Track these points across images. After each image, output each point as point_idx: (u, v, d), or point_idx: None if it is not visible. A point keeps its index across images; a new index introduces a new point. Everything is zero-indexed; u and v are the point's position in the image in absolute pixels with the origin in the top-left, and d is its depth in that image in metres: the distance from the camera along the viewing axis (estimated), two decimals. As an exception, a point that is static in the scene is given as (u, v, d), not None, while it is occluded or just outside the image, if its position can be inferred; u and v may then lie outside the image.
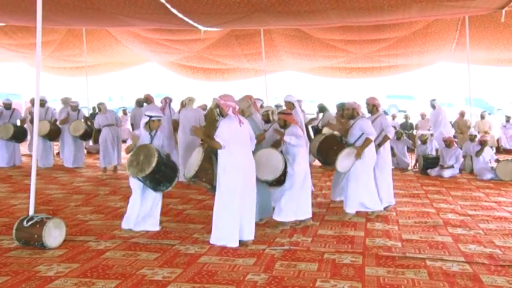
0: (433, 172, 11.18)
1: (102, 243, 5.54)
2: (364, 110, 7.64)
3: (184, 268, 4.76)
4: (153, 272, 4.64)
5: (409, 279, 4.55)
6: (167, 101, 10.27)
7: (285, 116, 6.36)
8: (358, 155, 6.74)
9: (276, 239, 5.82)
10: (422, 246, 5.65)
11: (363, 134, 6.79)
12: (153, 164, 5.82)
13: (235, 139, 5.50)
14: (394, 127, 14.94)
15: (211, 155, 5.73)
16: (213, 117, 6.32)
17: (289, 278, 4.55)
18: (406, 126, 16.22)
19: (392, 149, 12.55)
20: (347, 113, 7.20)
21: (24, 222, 5.33)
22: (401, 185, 9.97)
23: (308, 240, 5.83)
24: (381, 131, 7.31)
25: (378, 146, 7.22)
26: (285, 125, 6.34)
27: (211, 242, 5.54)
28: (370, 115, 7.56)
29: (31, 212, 5.54)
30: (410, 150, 13.45)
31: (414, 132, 15.84)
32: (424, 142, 12.28)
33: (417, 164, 12.10)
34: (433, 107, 13.22)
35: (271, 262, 4.97)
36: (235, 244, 5.48)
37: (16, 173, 10.66)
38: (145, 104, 11.05)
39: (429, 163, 11.46)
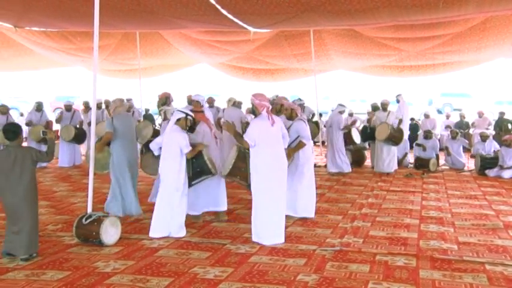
0: (491, 173, 10.73)
1: (155, 241, 5.68)
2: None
3: (235, 267, 4.80)
4: (205, 270, 4.71)
5: (467, 283, 4.40)
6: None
7: (194, 115, 6.50)
8: (289, 156, 6.48)
9: (327, 240, 5.77)
10: (481, 249, 5.44)
11: (298, 136, 6.62)
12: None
13: (265, 138, 5.58)
14: (449, 126, 14.52)
15: (245, 153, 5.84)
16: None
17: (341, 279, 4.50)
18: (462, 125, 15.64)
19: (447, 148, 12.22)
20: (285, 113, 6.99)
21: (83, 220, 5.55)
22: (457, 186, 9.63)
23: (359, 241, 5.75)
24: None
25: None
26: (194, 123, 6.43)
27: (253, 240, 5.63)
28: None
29: (89, 210, 5.77)
30: (467, 150, 12.97)
31: (470, 131, 15.28)
32: (484, 140, 11.78)
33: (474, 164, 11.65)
34: (398, 101, 13.04)
35: (322, 263, 4.94)
36: (281, 240, 5.55)
37: (75, 173, 11.12)
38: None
39: (487, 163, 11.01)
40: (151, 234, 5.84)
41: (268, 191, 5.57)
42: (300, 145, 6.60)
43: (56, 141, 6.13)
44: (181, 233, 5.90)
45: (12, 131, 5.01)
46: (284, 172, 5.76)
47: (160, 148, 6.01)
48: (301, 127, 6.72)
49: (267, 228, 5.57)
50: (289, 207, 6.48)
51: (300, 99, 10.53)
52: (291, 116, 6.93)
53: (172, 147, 5.86)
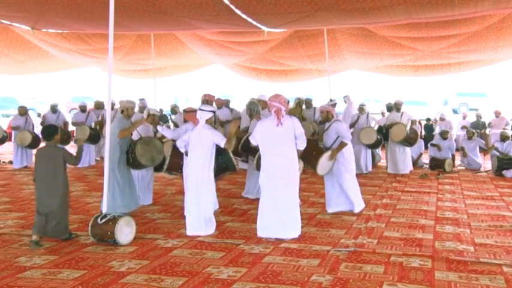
0: (508, 173, 10.59)
1: (169, 241, 5.71)
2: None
3: (249, 268, 4.80)
4: (219, 270, 4.72)
5: (483, 285, 4.34)
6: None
7: (186, 115, 6.85)
8: (333, 156, 6.90)
9: (341, 240, 5.74)
10: (498, 251, 5.36)
11: (338, 137, 6.99)
12: None
13: (268, 139, 5.75)
14: (465, 126, 14.34)
15: None
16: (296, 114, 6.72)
17: (355, 280, 4.47)
18: (478, 125, 15.46)
19: (463, 149, 12.08)
20: (322, 115, 7.41)
21: (98, 220, 5.61)
22: (473, 187, 9.52)
23: (374, 242, 5.71)
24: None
25: None
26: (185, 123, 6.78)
27: (258, 235, 5.84)
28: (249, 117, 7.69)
29: (104, 210, 5.82)
30: (483, 150, 12.82)
31: (487, 131, 15.10)
32: (503, 139, 11.61)
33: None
34: (345, 102, 12.93)
35: (336, 263, 4.92)
36: (293, 235, 5.74)
37: (91, 173, 11.23)
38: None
39: (504, 164, 10.86)
40: (189, 233, 5.97)
41: (272, 189, 5.76)
42: (342, 145, 6.97)
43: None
44: (211, 229, 6.05)
45: (48, 132, 5.69)
46: (291, 171, 5.83)
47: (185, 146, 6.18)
48: (340, 127, 7.08)
49: (269, 221, 5.76)
50: (350, 203, 7.05)
51: (331, 100, 10.79)
52: (327, 118, 7.26)
53: (203, 145, 5.97)
